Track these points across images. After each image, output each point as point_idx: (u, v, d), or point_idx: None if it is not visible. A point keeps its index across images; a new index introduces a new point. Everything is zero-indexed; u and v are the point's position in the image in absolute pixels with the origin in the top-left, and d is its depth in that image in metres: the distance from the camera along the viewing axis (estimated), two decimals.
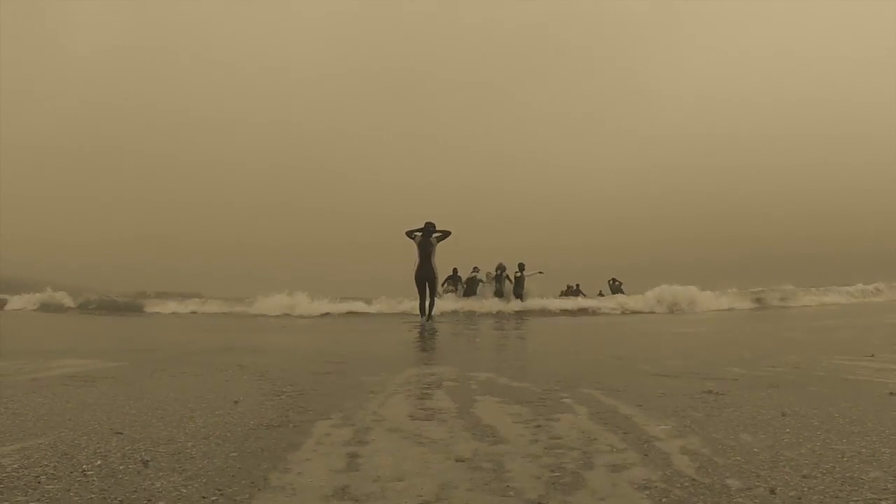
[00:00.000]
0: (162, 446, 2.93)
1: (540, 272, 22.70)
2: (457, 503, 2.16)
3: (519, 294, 21.59)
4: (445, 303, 17.77)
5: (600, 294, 27.60)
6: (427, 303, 13.34)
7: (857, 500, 2.16)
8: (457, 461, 2.57)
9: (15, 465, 2.63)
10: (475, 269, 22.46)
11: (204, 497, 2.28)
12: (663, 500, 2.18)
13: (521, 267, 22.12)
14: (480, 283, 22.00)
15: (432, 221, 13.03)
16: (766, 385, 4.29)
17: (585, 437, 2.96)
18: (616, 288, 27.02)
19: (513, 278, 21.95)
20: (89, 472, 2.56)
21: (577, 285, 27.43)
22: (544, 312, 18.40)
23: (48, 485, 2.42)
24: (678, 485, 2.31)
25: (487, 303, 19.41)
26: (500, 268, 22.03)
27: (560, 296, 25.26)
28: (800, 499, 2.19)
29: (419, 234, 13.21)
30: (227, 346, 8.10)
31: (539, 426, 3.17)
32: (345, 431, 3.08)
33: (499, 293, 21.39)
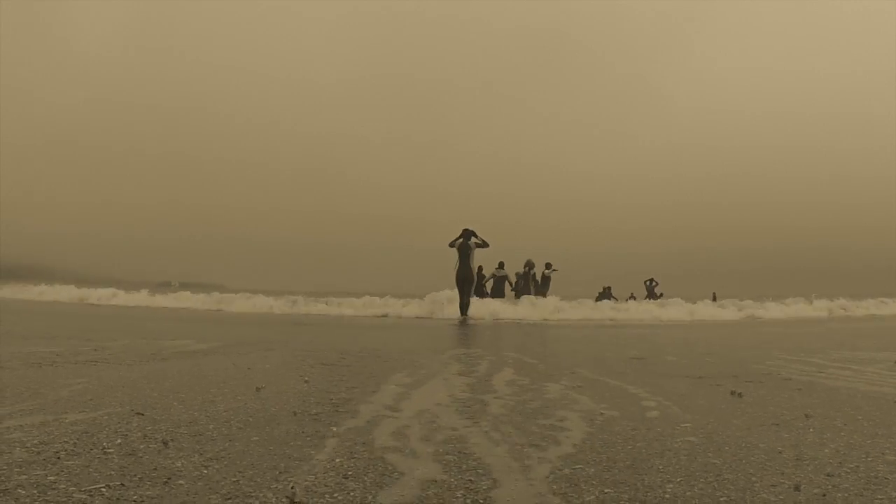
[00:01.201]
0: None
1: (555, 269, 22.10)
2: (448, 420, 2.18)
3: (543, 292, 20.93)
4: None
5: (632, 297, 27.45)
6: (465, 301, 14.24)
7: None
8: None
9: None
10: (500, 265, 20.78)
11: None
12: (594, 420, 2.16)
13: (549, 266, 21.57)
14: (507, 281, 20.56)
15: (471, 229, 14.07)
16: None
17: (558, 393, 4.04)
18: (651, 290, 26.80)
19: (539, 277, 21.35)
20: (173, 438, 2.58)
21: (609, 288, 27.36)
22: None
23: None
24: (601, 419, 2.30)
25: (519, 307, 16.92)
26: (529, 264, 21.17)
27: (596, 299, 25.09)
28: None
29: (460, 240, 14.17)
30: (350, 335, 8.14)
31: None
32: (407, 379, 4.60)
33: (526, 291, 20.48)
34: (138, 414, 3.24)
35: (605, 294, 26.76)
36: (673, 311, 16.91)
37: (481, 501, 2.05)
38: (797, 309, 19.10)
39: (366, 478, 2.28)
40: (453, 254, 14.41)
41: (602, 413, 3.45)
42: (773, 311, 18.22)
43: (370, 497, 2.08)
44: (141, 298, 20.48)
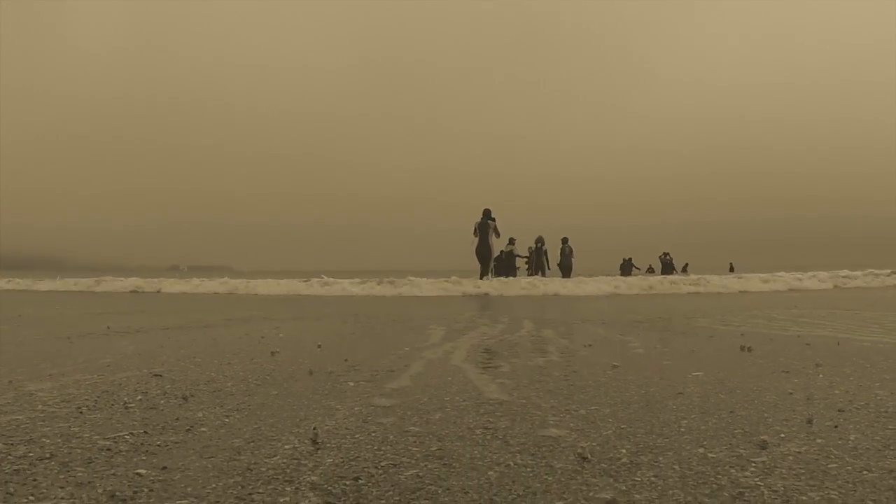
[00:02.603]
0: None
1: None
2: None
3: (567, 266, 20.51)
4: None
5: (650, 270, 27.65)
6: (485, 270, 16.21)
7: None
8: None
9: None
10: (511, 241, 20.42)
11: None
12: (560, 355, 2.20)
13: (565, 241, 20.97)
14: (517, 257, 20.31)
15: (489, 208, 16.08)
16: None
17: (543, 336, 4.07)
18: (667, 263, 27.01)
19: (557, 252, 20.70)
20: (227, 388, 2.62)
21: (630, 259, 27.60)
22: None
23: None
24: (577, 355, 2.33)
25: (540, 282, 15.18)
26: (540, 240, 20.80)
27: (622, 272, 25.23)
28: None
29: (480, 220, 16.12)
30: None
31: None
32: (441, 329, 5.47)
33: (539, 267, 20.21)
34: (156, 375, 3.29)
35: (627, 265, 27.16)
36: (752, 283, 16.01)
37: (500, 437, 2.09)
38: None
39: (385, 421, 2.32)
40: (468, 233, 16.30)
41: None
42: (857, 280, 17.17)
43: (391, 437, 2.11)
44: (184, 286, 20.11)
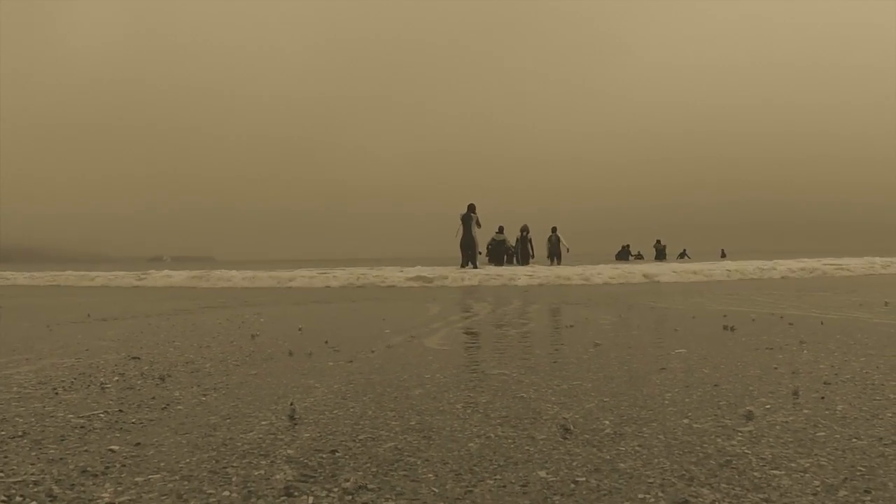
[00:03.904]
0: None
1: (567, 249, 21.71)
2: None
3: (555, 254, 20.70)
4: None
5: (639, 256, 27.82)
6: (467, 260, 16.50)
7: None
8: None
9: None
10: (500, 230, 20.20)
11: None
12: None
13: (554, 230, 21.19)
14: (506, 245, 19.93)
15: (473, 203, 16.69)
16: None
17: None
18: (660, 250, 27.22)
19: (545, 241, 20.90)
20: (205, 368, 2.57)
21: (628, 246, 27.79)
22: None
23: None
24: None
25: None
26: (525, 229, 20.25)
27: (617, 258, 25.37)
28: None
29: (464, 213, 16.72)
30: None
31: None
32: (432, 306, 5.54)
33: (525, 255, 20.25)
34: (134, 358, 3.23)
35: (625, 252, 27.41)
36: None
37: (481, 411, 2.06)
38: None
39: (365, 398, 2.28)
40: (455, 223, 16.75)
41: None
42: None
43: (370, 412, 2.07)
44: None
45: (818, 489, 1.37)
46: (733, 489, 1.37)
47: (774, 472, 1.47)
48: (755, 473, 1.46)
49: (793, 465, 1.51)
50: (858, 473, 1.46)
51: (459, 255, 16.90)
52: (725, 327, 4.09)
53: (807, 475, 1.45)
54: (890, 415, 1.94)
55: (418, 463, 1.57)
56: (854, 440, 1.69)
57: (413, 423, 1.93)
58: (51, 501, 1.38)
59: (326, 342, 3.70)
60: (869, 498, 1.32)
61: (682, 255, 29.13)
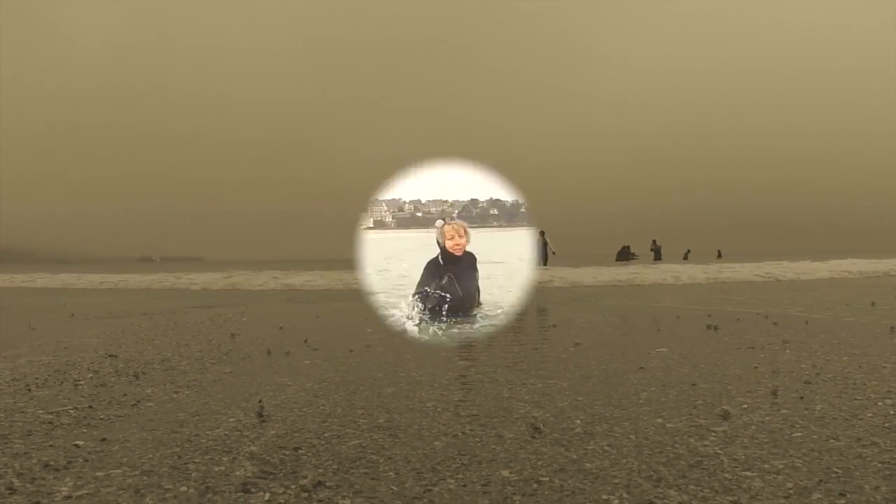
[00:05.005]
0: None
1: (553, 252, 21.80)
2: None
3: (542, 256, 20.87)
4: None
5: (633, 256, 28.00)
6: None
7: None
8: None
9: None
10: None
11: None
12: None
13: (543, 234, 21.34)
14: None
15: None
16: None
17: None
18: (657, 251, 27.32)
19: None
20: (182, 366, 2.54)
21: (628, 246, 27.90)
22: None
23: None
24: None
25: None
26: (541, 232, 20.76)
27: (617, 258, 25.48)
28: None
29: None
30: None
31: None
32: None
33: (543, 257, 20.24)
34: (111, 356, 3.20)
35: (625, 252, 27.52)
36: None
37: (451, 410, 2.03)
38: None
39: (336, 396, 2.25)
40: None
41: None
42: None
43: (339, 410, 2.04)
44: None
45: (790, 491, 1.34)
46: (702, 491, 1.34)
47: (746, 473, 1.45)
48: (726, 475, 1.43)
49: (766, 466, 1.49)
50: (834, 475, 1.43)
51: None
52: (709, 326, 4.07)
53: (780, 477, 1.42)
54: (870, 415, 1.92)
55: (380, 461, 1.54)
56: (832, 441, 1.67)
57: (381, 421, 1.90)
58: (10, 494, 1.37)
59: (306, 341, 3.67)
60: (843, 501, 1.29)
61: (686, 255, 29.53)
